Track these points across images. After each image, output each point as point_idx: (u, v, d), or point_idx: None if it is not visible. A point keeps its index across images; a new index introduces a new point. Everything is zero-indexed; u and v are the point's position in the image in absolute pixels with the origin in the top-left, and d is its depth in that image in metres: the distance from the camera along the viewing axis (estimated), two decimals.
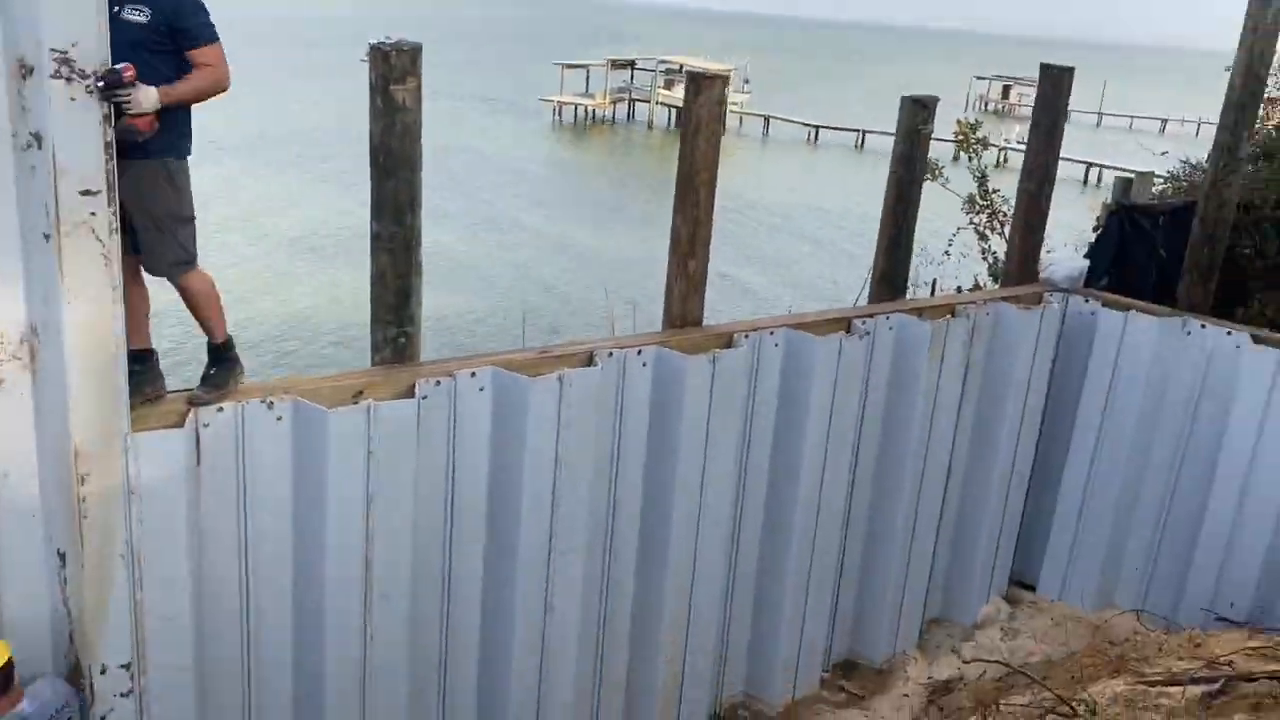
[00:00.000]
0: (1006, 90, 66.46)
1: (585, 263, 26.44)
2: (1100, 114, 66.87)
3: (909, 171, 6.50)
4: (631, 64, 61.17)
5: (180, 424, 4.03)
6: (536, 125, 53.94)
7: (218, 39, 3.93)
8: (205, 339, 4.31)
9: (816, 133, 55.32)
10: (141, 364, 4.01)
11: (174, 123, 3.86)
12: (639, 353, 5.26)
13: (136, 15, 3.75)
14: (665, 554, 5.55)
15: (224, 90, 3.97)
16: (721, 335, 5.64)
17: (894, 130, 6.68)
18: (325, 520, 4.36)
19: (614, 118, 58.20)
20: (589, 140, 52.65)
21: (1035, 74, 7.33)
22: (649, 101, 57.49)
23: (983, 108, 65.37)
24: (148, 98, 3.65)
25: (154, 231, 3.90)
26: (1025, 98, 59.59)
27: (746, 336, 5.65)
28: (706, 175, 5.55)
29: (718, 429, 5.52)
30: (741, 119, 57.59)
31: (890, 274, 6.64)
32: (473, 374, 4.66)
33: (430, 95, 5.50)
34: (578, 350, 5.18)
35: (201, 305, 4.17)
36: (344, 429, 4.28)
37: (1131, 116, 64.63)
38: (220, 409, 4.16)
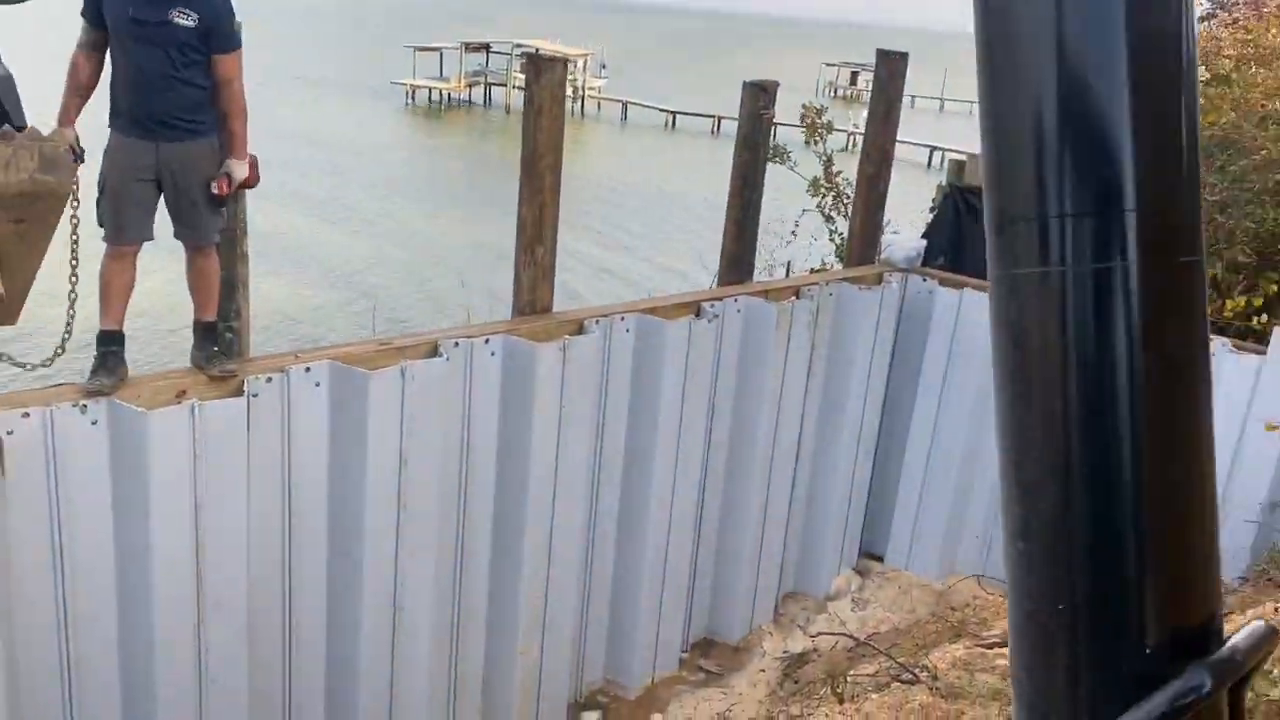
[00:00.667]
0: (854, 76, 68.44)
1: (441, 250, 25.95)
2: (943, 100, 69.73)
3: (753, 155, 6.58)
4: (487, 47, 60.23)
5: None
6: (388, 108, 52.55)
7: (240, 46, 4.16)
8: None
9: (674, 118, 55.78)
10: (120, 344, 4.12)
11: (208, 102, 4.09)
12: (486, 341, 5.15)
13: (185, 20, 3.93)
14: (520, 546, 5.47)
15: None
16: (572, 322, 5.58)
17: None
18: (149, 530, 4.09)
19: (470, 101, 57.27)
20: (444, 124, 51.66)
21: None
22: (505, 85, 56.76)
23: (832, 93, 67.25)
24: (241, 170, 4.14)
25: (206, 199, 4.09)
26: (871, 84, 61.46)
27: (597, 323, 5.61)
28: (551, 159, 5.46)
29: (570, 417, 5.47)
30: (600, 104, 57.55)
31: (738, 256, 6.71)
32: (307, 368, 4.46)
33: (277, 78, 5.23)
34: (421, 340, 5.03)
35: (210, 281, 4.28)
36: (166, 431, 4.02)
37: (971, 102, 67.67)
38: (26, 414, 3.85)
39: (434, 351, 4.95)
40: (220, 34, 4.04)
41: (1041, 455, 0.95)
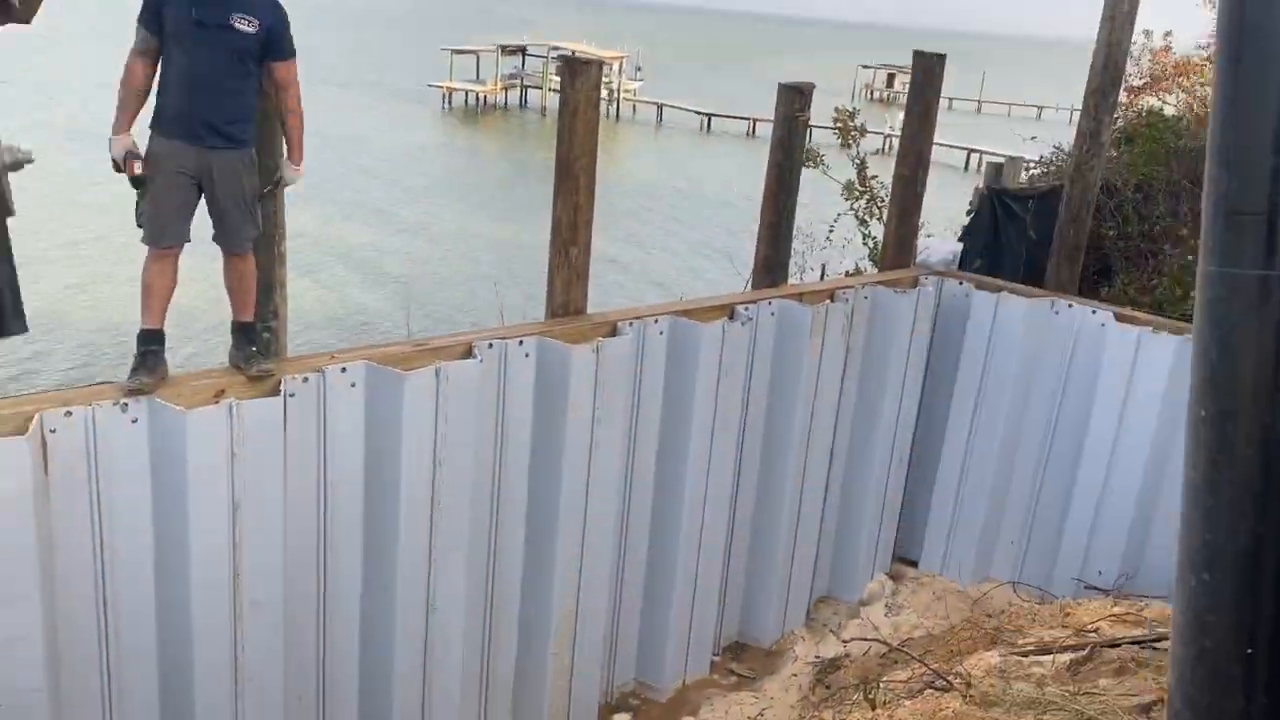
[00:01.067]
0: (891, 78, 68.00)
1: (477, 251, 26.09)
2: (980, 102, 69.07)
3: (787, 158, 6.55)
4: (523, 50, 60.50)
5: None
6: (424, 111, 52.96)
7: (296, 53, 4.26)
8: None
9: (709, 121, 55.71)
10: (160, 344, 4.18)
11: (253, 116, 4.19)
12: (520, 343, 5.17)
13: (246, 26, 4.02)
14: (552, 547, 5.48)
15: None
16: (605, 324, 5.58)
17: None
18: (188, 528, 4.15)
19: (506, 104, 57.56)
20: (480, 126, 51.97)
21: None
22: (541, 88, 56.97)
23: (869, 96, 66.83)
24: (294, 174, 4.32)
25: (242, 209, 4.20)
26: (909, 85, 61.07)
27: (630, 324, 5.61)
28: (586, 161, 5.48)
29: (603, 418, 5.48)
30: (635, 106, 57.60)
31: (772, 260, 6.69)
32: (343, 369, 4.50)
33: (312, 81, 5.33)
34: (456, 342, 5.06)
35: (248, 283, 4.36)
36: (204, 430, 4.07)
37: (1010, 104, 66.94)
38: (69, 413, 3.92)
39: (468, 353, 4.97)
40: (279, 42, 4.15)
41: (1244, 477, 0.85)
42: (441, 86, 55.03)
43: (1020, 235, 7.37)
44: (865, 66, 69.01)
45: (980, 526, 7.28)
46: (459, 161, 41.23)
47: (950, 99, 59.62)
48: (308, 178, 4.64)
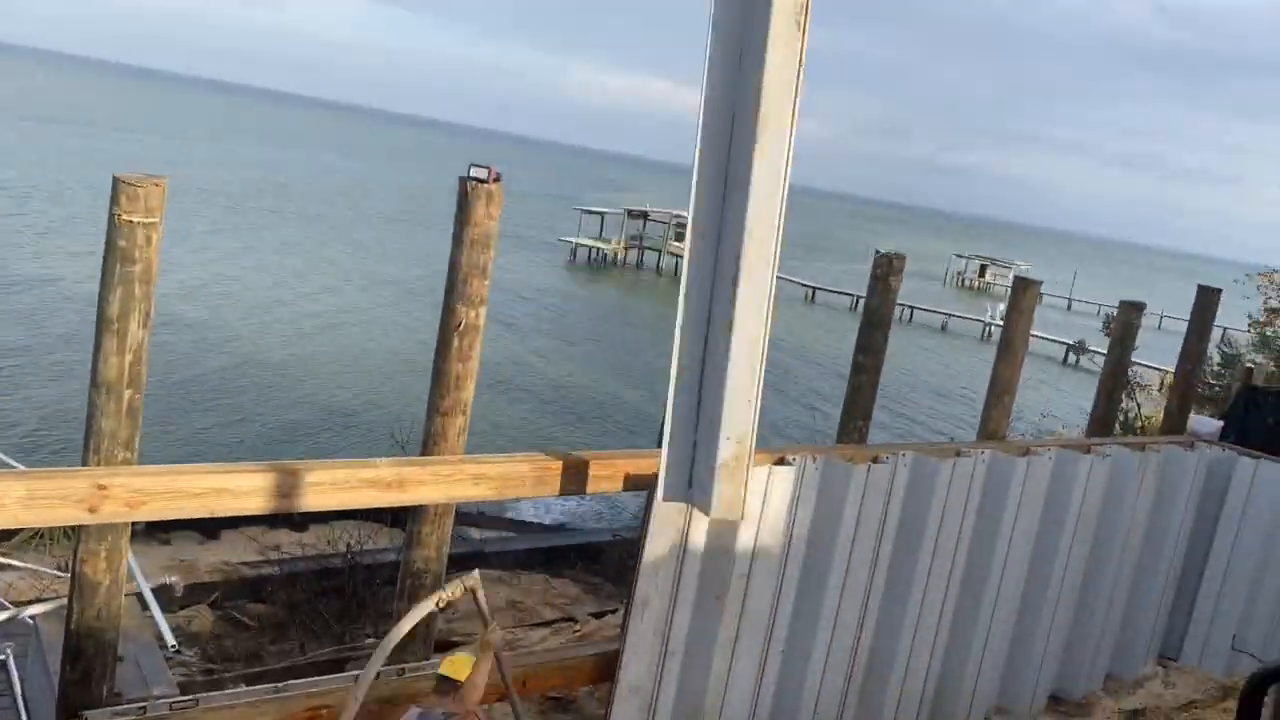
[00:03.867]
0: (983, 269, 71.90)
1: None
2: (1070, 299, 72.27)
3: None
4: (645, 215, 65.75)
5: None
6: (553, 259, 57.68)
7: None
8: None
9: (813, 293, 59.57)
10: None
11: None
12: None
13: None
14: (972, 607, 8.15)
15: None
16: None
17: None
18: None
19: (625, 261, 62.30)
20: (610, 278, 56.54)
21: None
22: (659, 250, 61.64)
23: (959, 283, 70.63)
24: None
25: None
26: (999, 277, 64.73)
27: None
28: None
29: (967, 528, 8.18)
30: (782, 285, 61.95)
31: (1107, 416, 9.49)
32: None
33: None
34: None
35: None
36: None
37: (1099, 305, 70.10)
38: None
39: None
40: None
41: None
42: (570, 241, 60.01)
43: (1265, 421, 10.15)
44: (959, 255, 73.09)
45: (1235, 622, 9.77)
46: (598, 309, 45.28)
47: (1043, 293, 63.14)
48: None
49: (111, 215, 4.86)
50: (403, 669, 6.27)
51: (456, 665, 5.25)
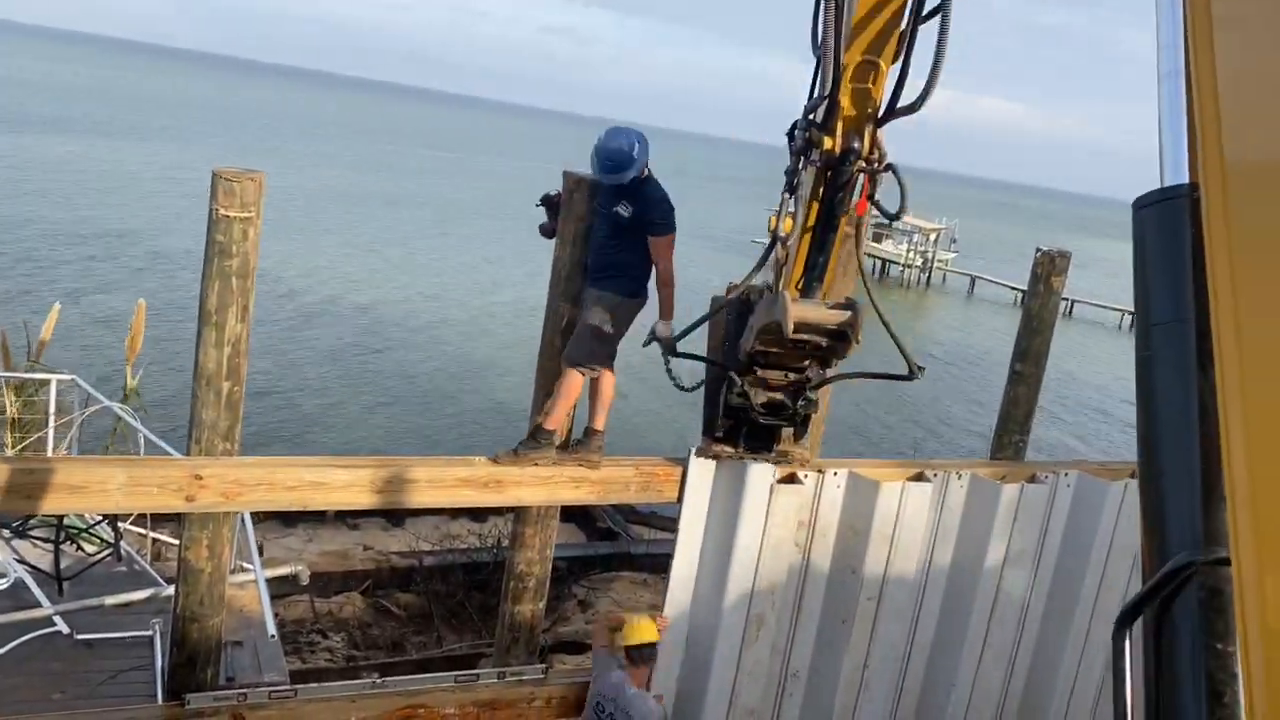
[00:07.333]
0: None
1: None
2: None
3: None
4: None
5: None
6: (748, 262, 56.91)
7: (673, 230, 5.58)
8: None
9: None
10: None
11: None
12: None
13: (624, 210, 5.46)
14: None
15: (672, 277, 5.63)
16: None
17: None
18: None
19: None
20: None
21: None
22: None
23: None
24: (663, 329, 5.36)
25: (580, 333, 5.61)
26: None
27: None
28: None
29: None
30: (945, 276, 59.06)
31: None
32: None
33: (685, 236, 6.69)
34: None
35: (597, 397, 5.84)
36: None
37: None
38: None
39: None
40: (652, 224, 5.44)
41: None
42: (761, 243, 59.20)
43: None
44: None
45: None
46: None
47: None
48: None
49: (211, 209, 4.93)
50: (503, 672, 6.14)
51: (643, 630, 5.18)
